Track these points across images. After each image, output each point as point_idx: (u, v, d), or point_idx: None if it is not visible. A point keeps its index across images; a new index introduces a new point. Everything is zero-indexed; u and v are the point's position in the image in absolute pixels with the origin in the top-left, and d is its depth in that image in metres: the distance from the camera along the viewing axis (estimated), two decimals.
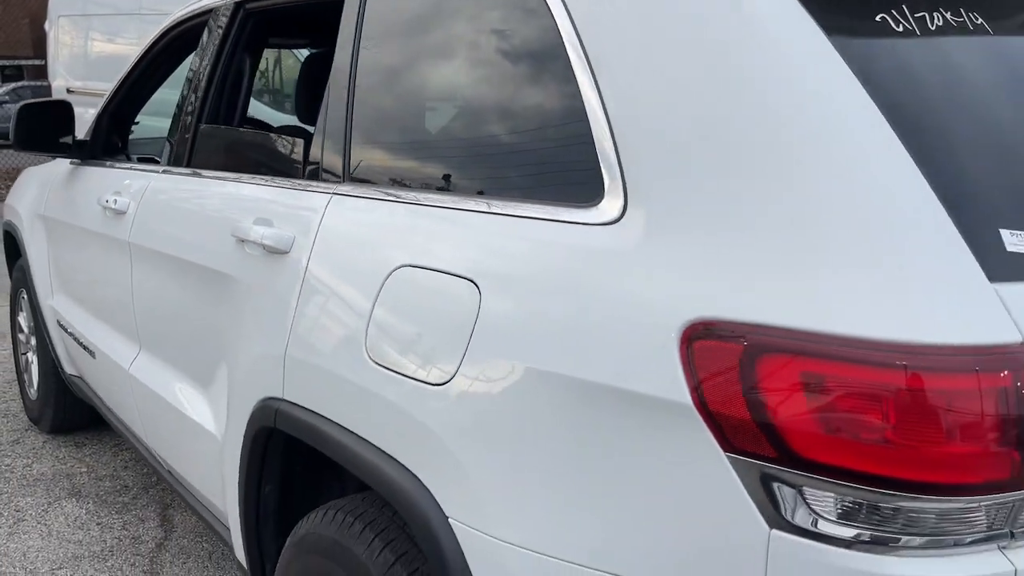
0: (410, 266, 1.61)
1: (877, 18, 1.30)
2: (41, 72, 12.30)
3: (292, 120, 4.08)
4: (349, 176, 1.93)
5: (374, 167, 1.89)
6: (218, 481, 2.33)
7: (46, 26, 11.55)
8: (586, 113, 1.41)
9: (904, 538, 1.07)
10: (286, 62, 10.22)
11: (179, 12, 3.08)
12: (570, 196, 1.43)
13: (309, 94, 3.10)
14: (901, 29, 1.30)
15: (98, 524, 3.64)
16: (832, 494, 1.08)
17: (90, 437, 4.51)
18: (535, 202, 1.49)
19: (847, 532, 1.09)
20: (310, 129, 2.83)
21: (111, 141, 3.55)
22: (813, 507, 1.10)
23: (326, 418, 1.73)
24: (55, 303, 3.84)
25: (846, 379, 1.06)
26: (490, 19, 1.68)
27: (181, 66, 3.29)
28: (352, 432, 1.66)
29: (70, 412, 4.34)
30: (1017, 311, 1.07)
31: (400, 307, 1.60)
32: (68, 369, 3.90)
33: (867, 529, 1.08)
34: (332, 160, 1.99)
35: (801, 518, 1.10)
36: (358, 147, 1.93)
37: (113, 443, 4.45)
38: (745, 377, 1.11)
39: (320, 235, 1.87)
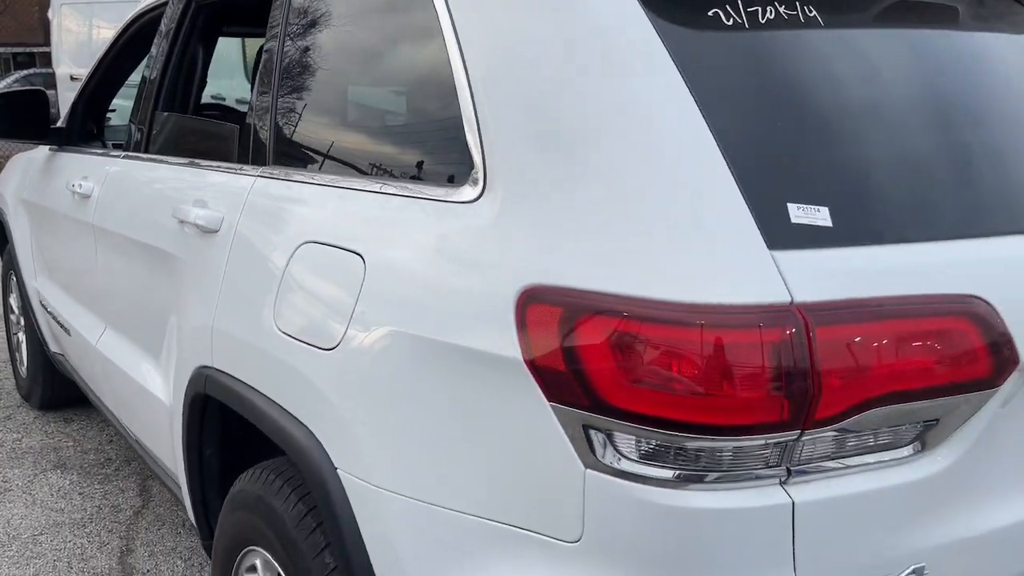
0: (312, 242, 1.76)
1: (710, 13, 1.44)
2: (51, 60, 12.50)
3: None
4: (273, 159, 2.08)
5: (291, 150, 2.04)
6: (169, 446, 2.50)
7: (49, 14, 11.72)
8: (460, 110, 1.55)
9: (697, 474, 1.22)
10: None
11: (144, 3, 3.23)
12: (445, 179, 1.58)
13: None
14: (731, 23, 1.43)
15: (80, 494, 3.82)
16: (635, 437, 1.23)
17: (78, 413, 4.69)
18: (417, 183, 1.64)
19: (650, 470, 1.23)
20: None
21: (87, 127, 3.71)
22: (620, 449, 1.24)
23: (242, 382, 1.90)
24: (38, 284, 4.01)
25: (647, 336, 1.21)
26: (387, 21, 1.83)
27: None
28: (262, 394, 1.82)
29: (58, 389, 4.52)
30: (789, 274, 1.21)
31: (302, 280, 1.76)
32: (52, 347, 4.07)
33: (667, 467, 1.23)
34: (260, 144, 2.14)
35: (611, 459, 1.25)
36: (280, 132, 2.08)
37: (99, 419, 4.63)
38: (564, 336, 1.26)
39: (243, 215, 2.03)
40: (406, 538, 1.48)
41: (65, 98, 9.63)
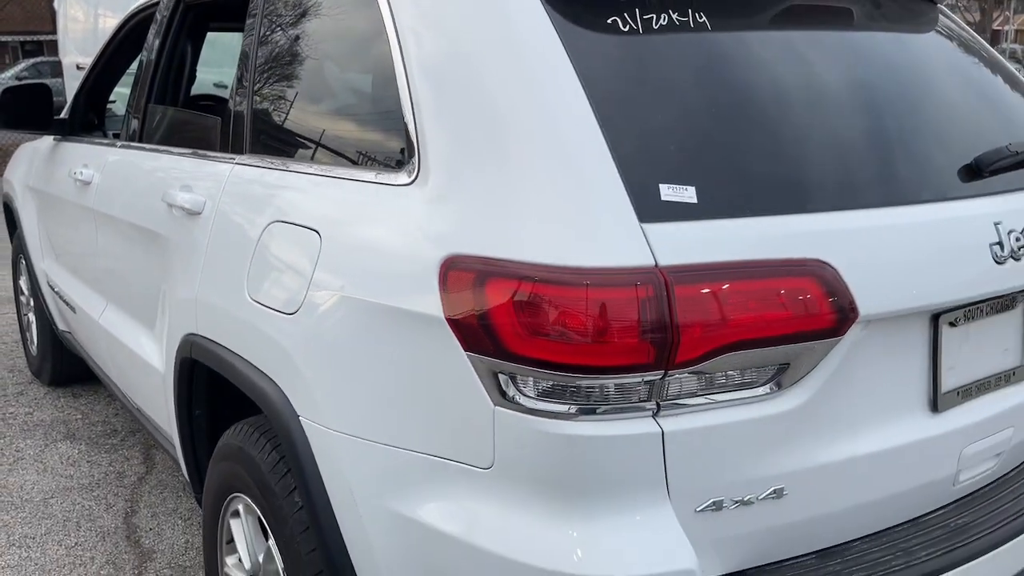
0: (279, 221, 2.02)
1: (608, 20, 1.67)
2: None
3: None
4: (249, 148, 2.33)
5: (264, 140, 2.30)
6: (165, 410, 2.76)
7: (55, 3, 11.91)
8: (402, 108, 1.79)
9: (585, 408, 1.47)
10: None
11: (138, 1, 3.48)
12: (388, 166, 1.83)
13: None
14: (627, 29, 1.67)
15: (88, 462, 4.09)
16: (533, 379, 1.48)
17: (86, 389, 4.97)
18: (366, 169, 1.89)
19: (547, 406, 1.48)
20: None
21: (88, 118, 3.96)
22: (523, 389, 1.49)
23: (222, 346, 2.15)
24: (45, 266, 4.28)
25: (541, 294, 1.45)
26: (342, 28, 2.08)
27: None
28: (238, 355, 2.08)
29: (66, 366, 4.78)
30: (656, 243, 1.45)
31: (269, 255, 2.02)
32: (60, 326, 4.33)
33: (560, 403, 1.47)
34: (238, 134, 2.39)
35: (515, 397, 1.50)
36: (255, 123, 2.34)
37: (106, 393, 4.90)
38: (476, 296, 1.51)
39: (223, 198, 2.28)
40: (355, 471, 1.74)
41: (71, 87, 9.84)
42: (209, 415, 2.52)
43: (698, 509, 1.54)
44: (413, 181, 1.71)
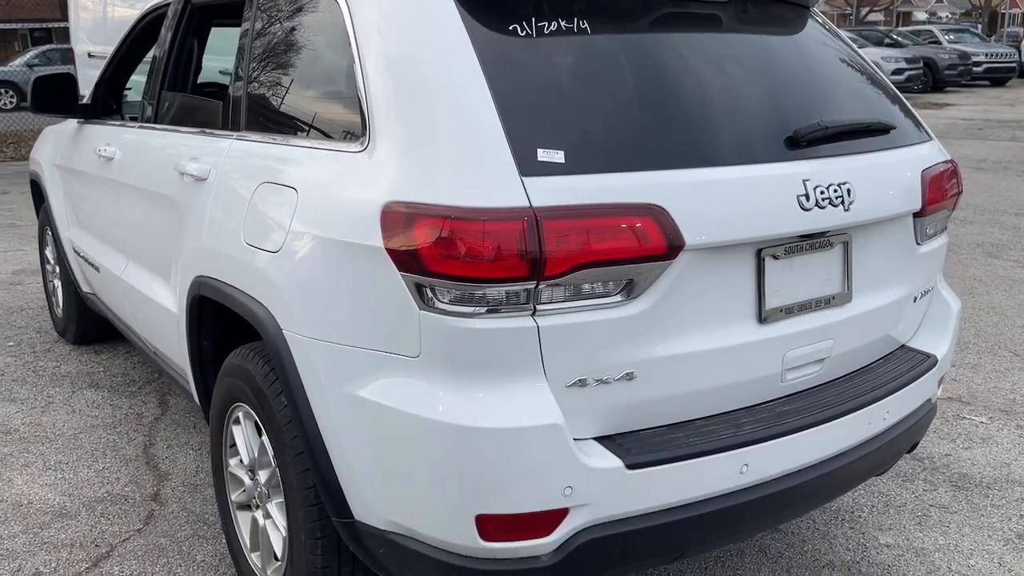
0: (267, 182, 2.59)
1: (510, 27, 2.23)
2: (68, 36, 13.18)
3: None
4: (244, 126, 2.91)
5: (255, 119, 2.87)
6: (178, 347, 3.34)
7: None
8: (358, 94, 2.35)
9: (484, 309, 2.03)
10: None
11: (151, 2, 4.05)
12: (349, 137, 2.40)
13: None
14: (524, 34, 2.23)
15: (111, 405, 4.68)
16: (446, 289, 2.04)
17: (107, 346, 5.55)
18: (333, 140, 2.46)
19: (456, 308, 2.04)
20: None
21: (107, 104, 4.54)
22: (439, 296, 2.06)
23: (223, 282, 2.73)
24: (71, 234, 4.86)
25: (453, 228, 2.01)
26: (314, 26, 2.64)
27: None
28: (235, 287, 2.65)
29: (89, 325, 5.36)
30: (532, 191, 2.00)
31: (260, 208, 2.59)
32: (84, 288, 4.91)
33: (466, 306, 2.04)
34: (236, 115, 2.96)
35: (433, 303, 2.06)
36: (249, 106, 2.91)
37: (125, 350, 5.49)
38: (405, 231, 2.07)
39: (223, 166, 2.86)
40: (323, 367, 2.30)
41: (83, 75, 10.23)
42: (214, 346, 3.10)
43: (567, 385, 2.10)
44: (364, 149, 2.28)
